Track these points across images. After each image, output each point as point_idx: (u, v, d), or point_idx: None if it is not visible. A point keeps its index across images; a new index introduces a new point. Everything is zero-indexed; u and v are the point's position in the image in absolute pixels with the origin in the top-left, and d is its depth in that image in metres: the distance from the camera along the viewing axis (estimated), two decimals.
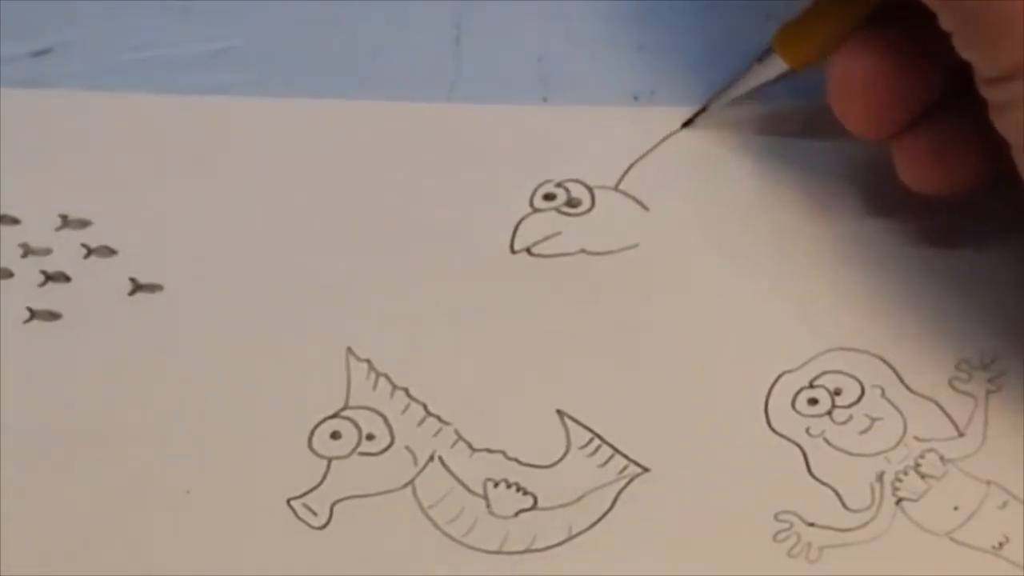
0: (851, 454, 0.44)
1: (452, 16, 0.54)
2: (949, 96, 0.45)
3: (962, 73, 0.42)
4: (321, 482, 0.44)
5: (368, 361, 0.46)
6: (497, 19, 0.53)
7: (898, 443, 0.44)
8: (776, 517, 0.43)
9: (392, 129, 0.51)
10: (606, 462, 0.44)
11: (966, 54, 0.41)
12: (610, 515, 0.43)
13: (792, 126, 0.50)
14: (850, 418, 0.45)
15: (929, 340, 0.46)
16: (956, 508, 0.43)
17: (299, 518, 0.44)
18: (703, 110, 0.50)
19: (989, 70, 0.41)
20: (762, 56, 0.48)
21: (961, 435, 0.44)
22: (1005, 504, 0.43)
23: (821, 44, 0.46)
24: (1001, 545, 0.43)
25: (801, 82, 0.48)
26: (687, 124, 0.51)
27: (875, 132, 0.45)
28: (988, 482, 0.44)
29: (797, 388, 0.45)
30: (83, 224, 0.49)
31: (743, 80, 0.49)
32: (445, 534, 0.43)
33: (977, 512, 0.43)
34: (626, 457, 0.44)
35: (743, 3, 0.53)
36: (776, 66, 0.48)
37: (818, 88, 0.46)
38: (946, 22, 0.41)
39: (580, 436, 0.45)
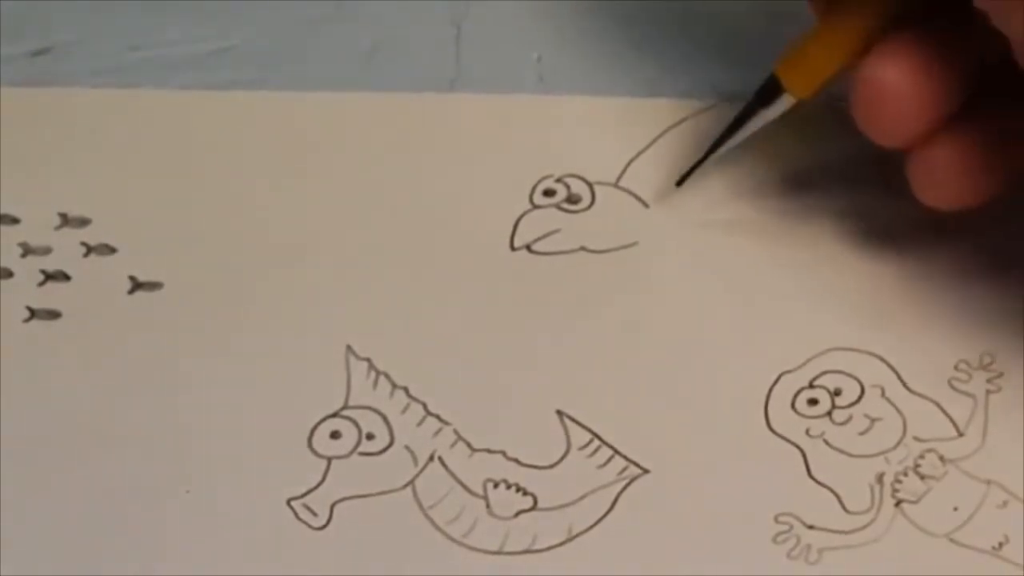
0: (851, 455, 0.44)
1: (452, 15, 0.54)
2: (967, 108, 0.44)
3: (983, 79, 0.43)
4: (321, 482, 0.44)
5: (368, 359, 0.46)
6: (497, 18, 0.53)
7: (898, 443, 0.44)
8: (776, 519, 0.43)
9: (392, 120, 0.51)
10: (606, 463, 0.44)
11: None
12: (610, 516, 0.43)
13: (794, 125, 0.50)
14: (850, 419, 0.45)
15: (929, 340, 0.46)
16: (956, 509, 0.43)
17: (299, 518, 0.44)
18: (699, 164, 0.48)
19: None
20: (763, 94, 0.46)
21: (961, 435, 0.44)
22: (1005, 504, 0.43)
23: (834, 68, 0.45)
24: (1001, 545, 0.42)
25: None
26: (680, 182, 0.48)
27: (899, 141, 0.44)
28: (988, 482, 0.43)
29: (797, 388, 0.45)
30: (82, 222, 0.49)
31: (745, 127, 0.47)
32: (445, 534, 0.43)
33: (977, 512, 0.43)
34: (626, 458, 0.44)
35: (742, 3, 0.53)
36: (782, 102, 0.46)
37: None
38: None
39: (580, 437, 0.45)
